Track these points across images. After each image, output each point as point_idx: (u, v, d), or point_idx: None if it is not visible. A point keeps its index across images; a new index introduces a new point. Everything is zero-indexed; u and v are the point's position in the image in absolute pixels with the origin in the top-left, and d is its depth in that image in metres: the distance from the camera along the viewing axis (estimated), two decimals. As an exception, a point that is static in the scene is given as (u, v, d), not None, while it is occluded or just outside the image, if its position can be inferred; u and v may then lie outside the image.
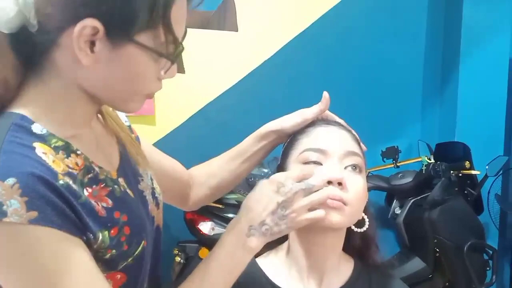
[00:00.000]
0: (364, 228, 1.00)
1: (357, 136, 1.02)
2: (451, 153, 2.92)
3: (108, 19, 0.66)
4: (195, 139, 2.61)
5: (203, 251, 2.58)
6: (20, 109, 0.70)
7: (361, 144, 1.02)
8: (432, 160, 2.88)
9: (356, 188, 0.93)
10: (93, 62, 0.68)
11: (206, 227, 2.59)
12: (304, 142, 0.98)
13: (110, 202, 0.74)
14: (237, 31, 2.05)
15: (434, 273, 2.80)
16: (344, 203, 0.91)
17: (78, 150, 0.74)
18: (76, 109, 0.73)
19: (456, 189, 2.78)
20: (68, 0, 0.66)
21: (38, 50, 0.70)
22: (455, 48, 3.13)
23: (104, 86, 0.71)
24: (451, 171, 2.76)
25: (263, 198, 0.84)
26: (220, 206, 2.58)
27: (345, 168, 0.94)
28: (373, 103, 3.17)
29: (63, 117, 0.72)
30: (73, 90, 0.72)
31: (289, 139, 1.04)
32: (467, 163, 2.75)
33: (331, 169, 0.92)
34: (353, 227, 1.00)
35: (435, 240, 2.69)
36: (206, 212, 2.66)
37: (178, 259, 2.61)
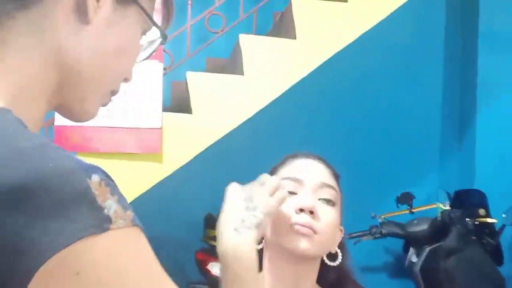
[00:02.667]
0: (337, 262, 1.01)
1: (336, 172, 1.04)
2: (468, 201, 2.86)
3: None
4: (202, 177, 2.65)
5: (212, 293, 2.57)
6: None
7: (338, 181, 1.04)
8: (448, 207, 2.82)
9: (327, 219, 0.95)
10: (99, 20, 0.56)
11: (215, 267, 2.58)
12: (283, 172, 1.01)
13: None
14: (243, 74, 2.12)
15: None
16: (314, 231, 0.93)
17: None
18: (38, 108, 0.57)
19: (474, 237, 2.71)
20: None
21: (16, 3, 0.53)
22: (472, 95, 3.13)
23: (91, 59, 0.57)
24: (467, 219, 2.69)
25: (228, 205, 0.85)
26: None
27: (319, 199, 0.96)
28: (389, 149, 3.17)
29: (24, 112, 0.53)
30: (44, 71, 0.55)
31: (271, 170, 1.06)
32: (481, 211, 2.69)
33: (304, 198, 0.95)
34: (326, 261, 1.01)
35: (452, 290, 2.60)
36: (216, 253, 2.66)
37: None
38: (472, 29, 3.16)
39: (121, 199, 0.50)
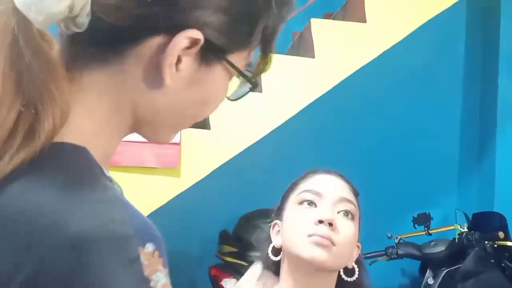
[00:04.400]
0: (354, 278, 1.02)
1: (355, 189, 1.06)
2: (487, 223, 2.82)
3: (212, 33, 0.54)
4: (218, 193, 2.67)
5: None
6: (72, 136, 0.52)
7: (357, 198, 1.05)
8: (466, 229, 2.79)
9: (346, 232, 0.97)
10: (176, 83, 0.54)
11: (229, 284, 2.58)
12: (303, 186, 1.04)
13: None
14: (261, 92, 2.15)
15: None
16: (333, 243, 0.95)
17: None
18: (113, 141, 0.57)
19: (492, 261, 2.67)
20: (184, 1, 0.52)
21: (98, 56, 0.54)
22: (492, 116, 3.11)
23: (169, 111, 0.57)
24: (485, 242, 2.66)
25: None
26: (244, 263, 2.57)
27: (338, 212, 0.98)
28: (407, 169, 3.16)
29: (102, 151, 0.55)
30: (121, 115, 0.55)
31: (290, 185, 1.09)
32: (501, 234, 2.64)
33: (323, 210, 0.97)
34: (343, 276, 1.01)
35: (469, 315, 2.56)
36: (230, 269, 2.66)
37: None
38: (492, 50, 3.15)
39: (168, 273, 0.48)
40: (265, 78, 2.18)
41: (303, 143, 3.02)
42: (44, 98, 0.50)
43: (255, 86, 0.62)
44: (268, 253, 1.04)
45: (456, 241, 2.75)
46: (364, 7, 2.29)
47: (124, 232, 0.47)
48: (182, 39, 0.52)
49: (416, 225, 2.85)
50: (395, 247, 2.78)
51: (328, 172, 1.06)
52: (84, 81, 0.54)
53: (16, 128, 0.49)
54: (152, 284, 0.46)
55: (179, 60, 0.53)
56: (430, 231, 2.83)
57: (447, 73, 3.24)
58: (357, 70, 2.26)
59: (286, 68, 2.23)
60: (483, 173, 3.18)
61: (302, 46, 2.49)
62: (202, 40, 0.53)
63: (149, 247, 0.47)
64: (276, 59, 2.36)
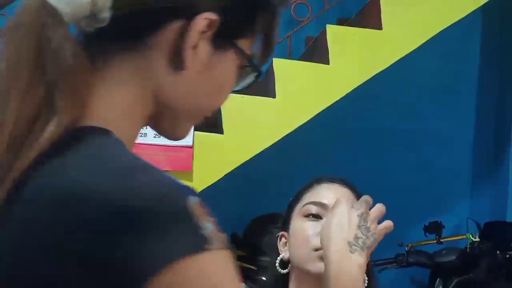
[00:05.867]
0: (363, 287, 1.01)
1: (361, 195, 1.05)
2: (499, 233, 2.80)
3: (225, 15, 0.56)
4: (229, 196, 2.66)
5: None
6: (95, 122, 0.54)
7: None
8: (478, 239, 2.76)
9: None
10: (195, 66, 0.57)
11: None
12: (308, 197, 1.03)
13: None
14: (274, 97, 2.15)
15: None
16: None
17: None
18: (134, 129, 0.59)
19: (504, 271, 2.64)
20: None
21: (120, 46, 0.56)
22: (507, 126, 3.08)
23: (187, 98, 0.59)
24: (497, 251, 2.63)
25: (343, 216, 0.85)
26: (253, 267, 2.57)
27: None
28: (419, 176, 3.13)
29: (124, 140, 0.56)
30: (143, 103, 0.58)
31: (296, 194, 1.08)
32: (513, 244, 2.62)
33: None
34: None
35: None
36: (240, 273, 2.66)
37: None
38: (508, 58, 3.12)
39: (215, 221, 0.51)
40: (279, 84, 2.18)
41: (316, 149, 3.01)
42: (67, 85, 0.52)
43: (259, 75, 0.64)
44: (276, 266, 1.03)
45: (468, 250, 2.74)
46: (380, 13, 2.28)
47: (169, 186, 0.49)
48: (201, 21, 0.55)
49: (427, 233, 2.83)
50: (406, 255, 2.77)
51: (332, 180, 1.04)
52: (107, 71, 0.56)
53: (39, 114, 0.51)
54: (203, 232, 0.48)
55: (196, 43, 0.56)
56: (441, 240, 2.81)
57: (461, 81, 3.22)
58: (372, 77, 2.25)
59: (300, 74, 2.22)
60: (496, 182, 3.15)
61: (317, 52, 2.48)
62: (218, 22, 0.55)
63: (193, 198, 0.49)
64: (290, 64, 2.37)
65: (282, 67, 2.24)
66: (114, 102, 0.56)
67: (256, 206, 2.70)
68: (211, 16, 0.55)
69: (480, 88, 3.28)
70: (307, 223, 0.99)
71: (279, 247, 1.05)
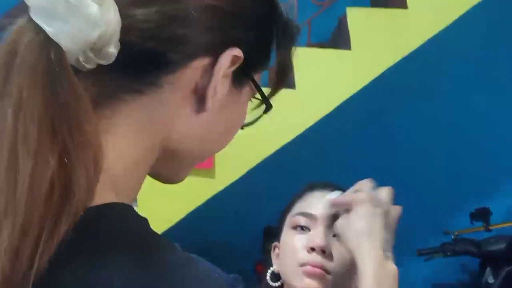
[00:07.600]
0: None
1: None
2: (553, 219, 2.61)
3: (248, 49, 0.51)
4: (252, 193, 2.62)
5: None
6: (102, 186, 0.45)
7: None
8: (529, 225, 2.60)
9: (342, 258, 0.90)
10: (214, 106, 0.50)
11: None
12: (297, 207, 0.98)
13: None
14: (295, 88, 2.08)
15: None
16: (326, 272, 0.89)
17: None
18: (140, 181, 0.52)
19: (561, 260, 2.47)
20: (222, 20, 0.49)
21: (127, 89, 0.48)
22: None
23: (199, 142, 0.53)
24: (552, 239, 2.46)
25: (371, 220, 0.82)
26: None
27: (334, 235, 0.91)
28: (463, 160, 2.96)
29: (131, 192, 0.50)
30: (152, 152, 0.51)
31: (290, 202, 1.03)
32: None
33: (315, 236, 0.91)
34: None
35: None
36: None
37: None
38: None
39: None
40: (298, 74, 2.11)
41: (340, 140, 2.87)
42: (78, 144, 0.43)
43: (269, 108, 0.58)
44: (267, 279, 1.00)
45: (518, 238, 2.59)
46: (405, -9, 2.14)
47: (215, 285, 0.46)
48: (228, 58, 0.49)
49: (474, 221, 2.70)
50: (452, 244, 2.65)
51: (325, 187, 0.98)
52: (113, 118, 0.48)
53: (53, 188, 0.41)
54: None
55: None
56: (490, 227, 2.67)
57: (501, 57, 2.97)
58: (398, 61, 2.13)
59: (321, 62, 2.14)
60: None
61: (341, 36, 2.38)
62: (242, 59, 0.50)
63: None
64: (310, 52, 2.27)
65: (301, 55, 2.16)
66: (122, 157, 0.48)
67: (279, 201, 2.63)
68: (237, 52, 0.49)
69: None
70: (295, 235, 0.95)
71: (272, 258, 1.01)
